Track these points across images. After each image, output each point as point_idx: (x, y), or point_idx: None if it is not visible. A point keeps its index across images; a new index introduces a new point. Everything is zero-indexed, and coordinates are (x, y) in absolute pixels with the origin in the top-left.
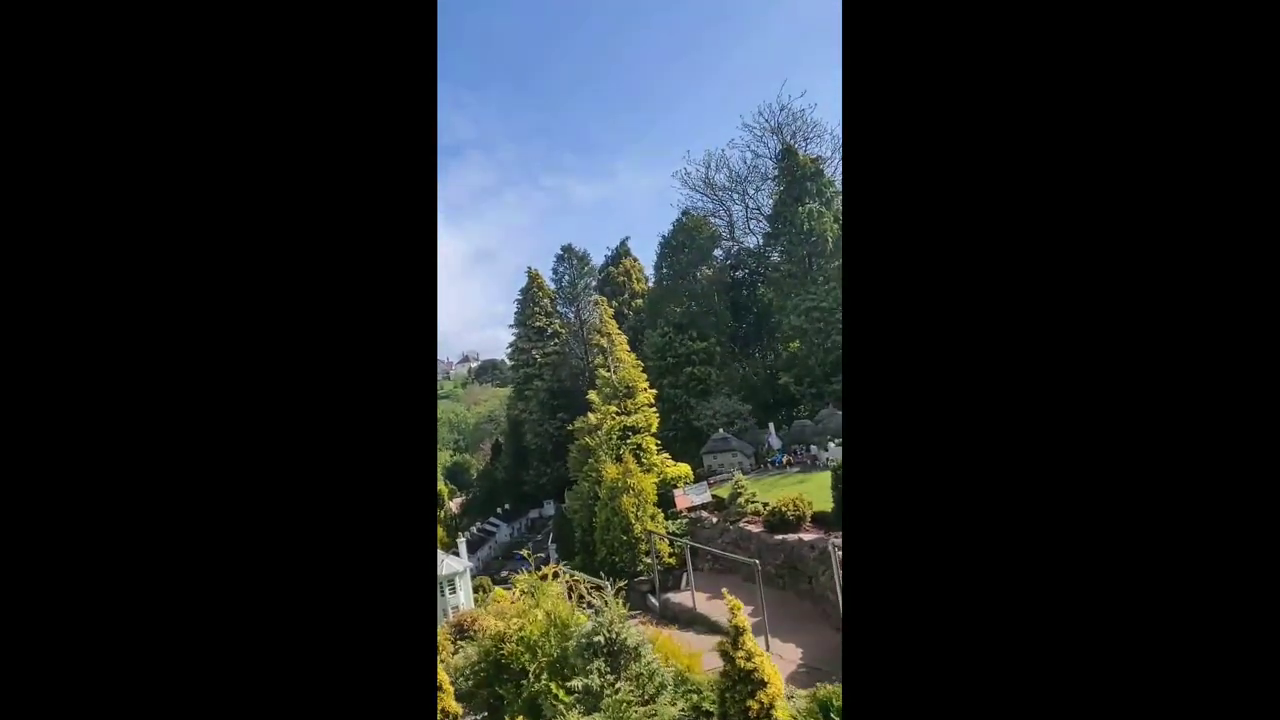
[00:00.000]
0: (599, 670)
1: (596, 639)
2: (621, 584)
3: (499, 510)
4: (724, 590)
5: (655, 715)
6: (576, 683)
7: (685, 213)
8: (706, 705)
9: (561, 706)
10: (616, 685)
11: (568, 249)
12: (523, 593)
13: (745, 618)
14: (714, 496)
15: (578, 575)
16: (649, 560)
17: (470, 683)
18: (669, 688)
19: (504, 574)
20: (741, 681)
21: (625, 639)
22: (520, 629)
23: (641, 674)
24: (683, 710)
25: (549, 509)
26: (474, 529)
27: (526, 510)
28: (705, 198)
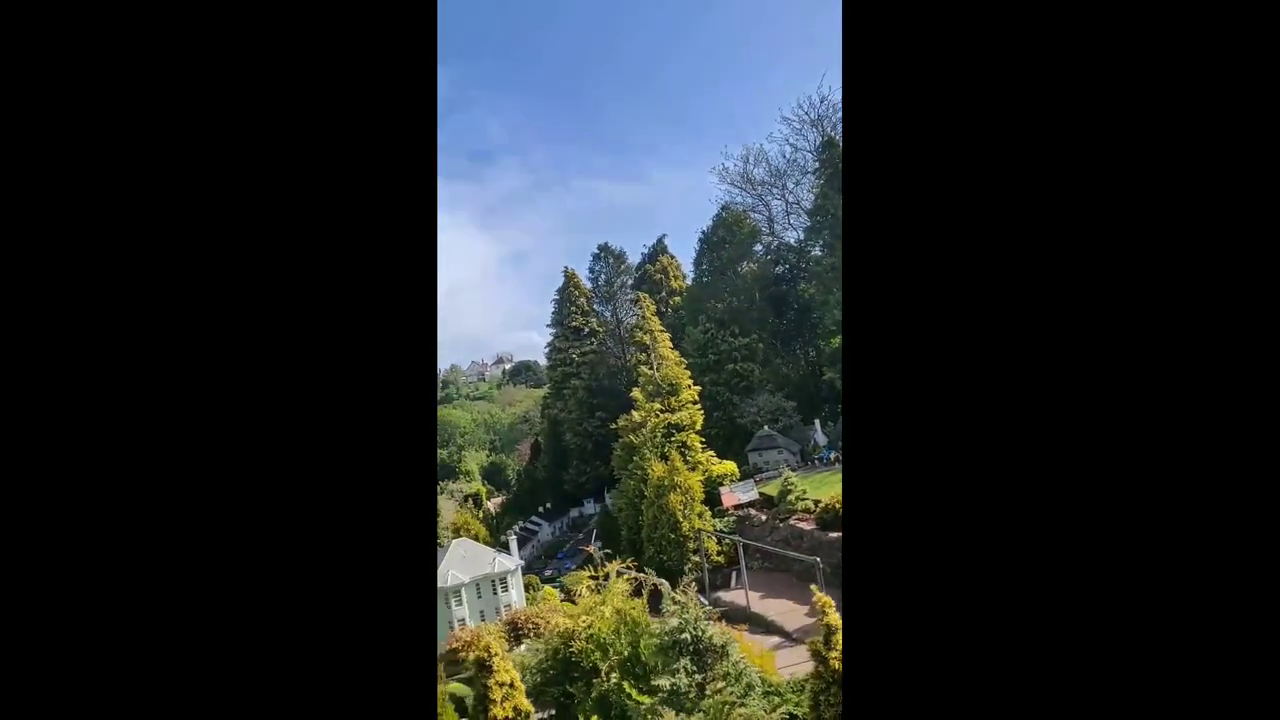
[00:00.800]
0: (685, 669)
1: (682, 636)
2: (690, 579)
3: (540, 509)
4: (813, 586)
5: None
6: (664, 682)
7: (724, 208)
8: (789, 708)
9: (643, 707)
10: (717, 685)
11: (604, 248)
12: (589, 589)
13: (837, 615)
14: (761, 494)
15: (648, 571)
16: (697, 558)
17: (538, 679)
18: (757, 688)
19: (547, 572)
20: (837, 684)
21: (711, 637)
22: (589, 626)
23: (729, 673)
24: (782, 714)
25: (589, 508)
26: (517, 528)
27: (567, 510)
28: (744, 193)
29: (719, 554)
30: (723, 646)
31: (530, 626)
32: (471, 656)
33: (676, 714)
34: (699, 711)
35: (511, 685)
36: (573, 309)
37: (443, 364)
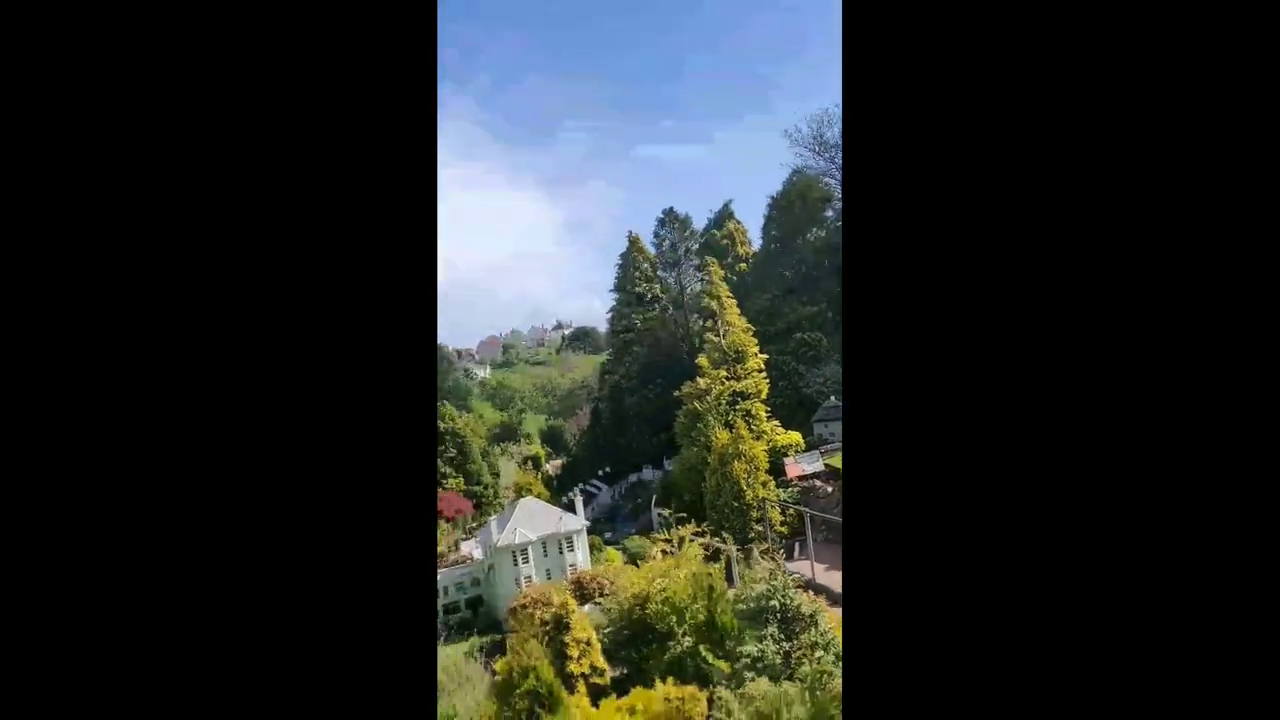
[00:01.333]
0: (773, 637)
1: (770, 604)
2: (764, 547)
3: (599, 473)
4: None
5: None
6: (749, 649)
7: (796, 172)
8: None
9: (725, 672)
10: (816, 654)
11: (669, 213)
12: (663, 553)
13: None
14: (827, 466)
15: (726, 538)
16: (760, 528)
17: (609, 639)
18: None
19: (607, 535)
20: None
21: (799, 606)
22: (663, 590)
23: (817, 643)
24: None
25: (648, 474)
26: (577, 490)
27: (626, 475)
28: (817, 156)
29: (782, 524)
30: (812, 615)
31: (596, 587)
32: (548, 614)
33: (757, 680)
34: (795, 680)
35: (588, 643)
36: (637, 274)
37: (504, 329)
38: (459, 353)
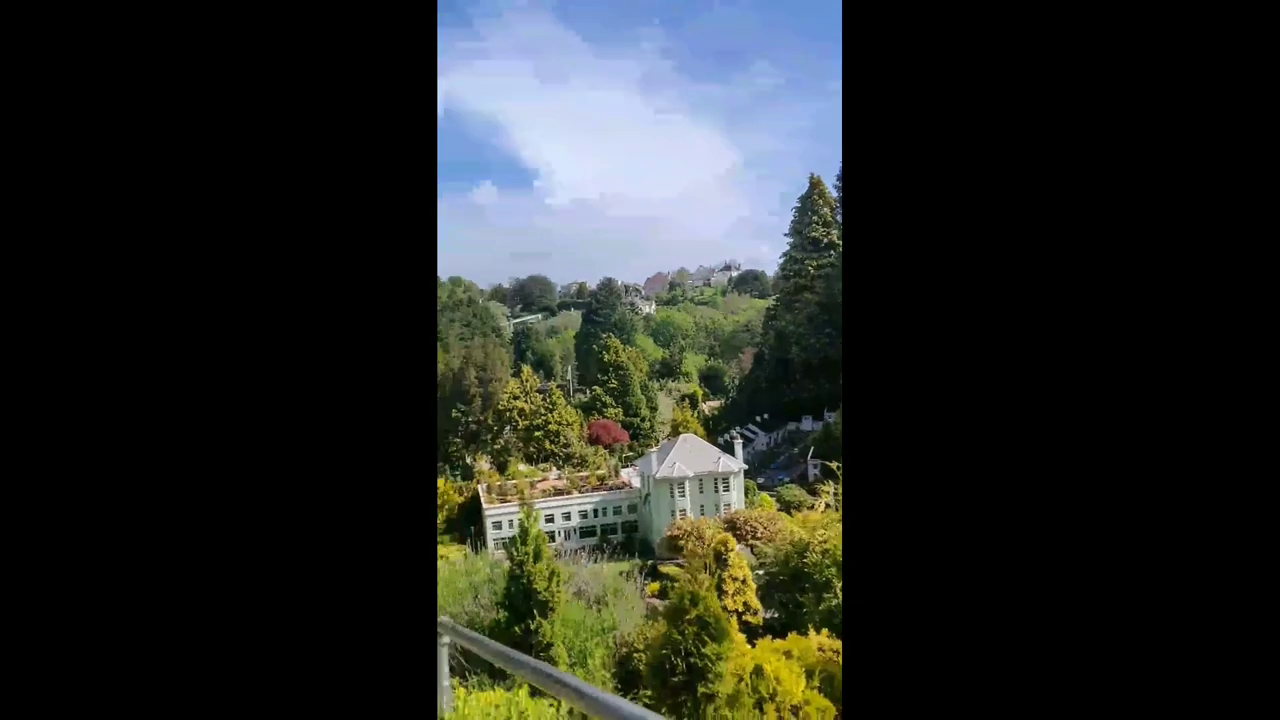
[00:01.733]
0: None
1: None
2: None
3: (757, 419)
4: None
5: None
6: None
7: None
8: None
9: None
10: None
11: None
12: (827, 505)
13: None
14: None
15: None
16: None
17: (763, 581)
18: None
19: (760, 480)
20: None
21: None
22: (824, 541)
23: None
24: None
25: (807, 425)
26: (736, 431)
27: (784, 423)
28: None
29: None
30: None
31: (749, 529)
32: (701, 548)
33: None
34: None
35: (744, 581)
36: (814, 219)
37: (671, 266)
38: (626, 287)
